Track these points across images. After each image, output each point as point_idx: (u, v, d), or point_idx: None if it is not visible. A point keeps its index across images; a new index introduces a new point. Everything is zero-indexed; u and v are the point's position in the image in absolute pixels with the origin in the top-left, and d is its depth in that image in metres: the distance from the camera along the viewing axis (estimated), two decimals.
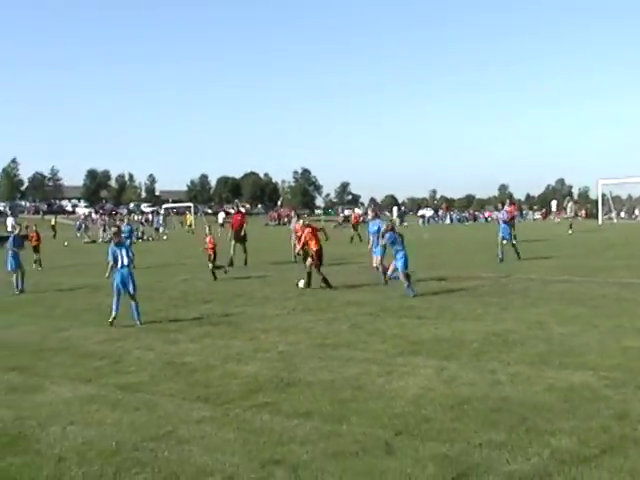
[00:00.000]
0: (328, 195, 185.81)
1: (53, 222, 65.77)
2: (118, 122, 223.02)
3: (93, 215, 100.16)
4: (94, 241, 51.63)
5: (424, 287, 16.90)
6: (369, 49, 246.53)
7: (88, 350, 11.09)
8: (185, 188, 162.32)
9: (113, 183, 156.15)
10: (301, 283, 17.70)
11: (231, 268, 23.01)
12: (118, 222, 39.51)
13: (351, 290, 17.23)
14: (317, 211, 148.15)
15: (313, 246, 17.89)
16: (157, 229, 62.58)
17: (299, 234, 19.15)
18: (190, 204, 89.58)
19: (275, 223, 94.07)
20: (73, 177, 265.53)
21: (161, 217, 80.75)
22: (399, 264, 15.94)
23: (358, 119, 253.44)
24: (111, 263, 13.45)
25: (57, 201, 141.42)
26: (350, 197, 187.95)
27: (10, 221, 58.66)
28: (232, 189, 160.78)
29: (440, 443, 6.29)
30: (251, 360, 9.86)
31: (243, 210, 31.72)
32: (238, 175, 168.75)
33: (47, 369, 9.88)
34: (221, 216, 65.24)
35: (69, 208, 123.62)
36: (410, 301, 14.94)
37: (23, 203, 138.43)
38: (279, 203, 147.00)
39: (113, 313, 13.24)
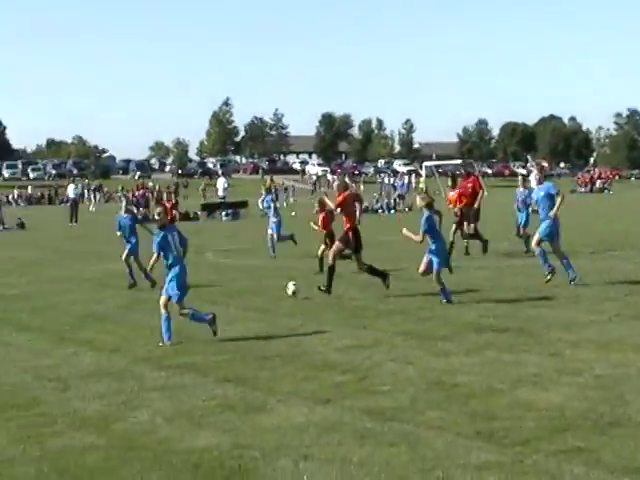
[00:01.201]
0: None
1: (268, 184, 66.63)
2: (362, 49, 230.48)
3: (328, 175, 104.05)
4: None
5: None
6: None
7: (326, 359, 11.60)
8: (455, 139, 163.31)
9: (356, 132, 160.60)
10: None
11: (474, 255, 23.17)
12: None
13: None
14: None
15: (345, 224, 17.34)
16: (401, 196, 63.33)
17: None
18: (461, 161, 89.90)
19: (586, 189, 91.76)
20: (303, 124, 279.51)
21: (405, 179, 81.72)
22: (435, 259, 15.53)
23: None
24: (155, 255, 13.30)
25: (282, 156, 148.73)
26: None
27: (221, 183, 61.19)
28: (523, 140, 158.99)
29: None
30: (554, 385, 9.72)
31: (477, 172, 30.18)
32: (531, 120, 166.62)
33: (272, 382, 10.48)
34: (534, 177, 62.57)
35: (297, 166, 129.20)
36: None
37: (238, 159, 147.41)
38: (592, 160, 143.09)
39: (165, 337, 13.06)
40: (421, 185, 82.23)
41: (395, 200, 60.98)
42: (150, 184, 68.22)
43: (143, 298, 17.55)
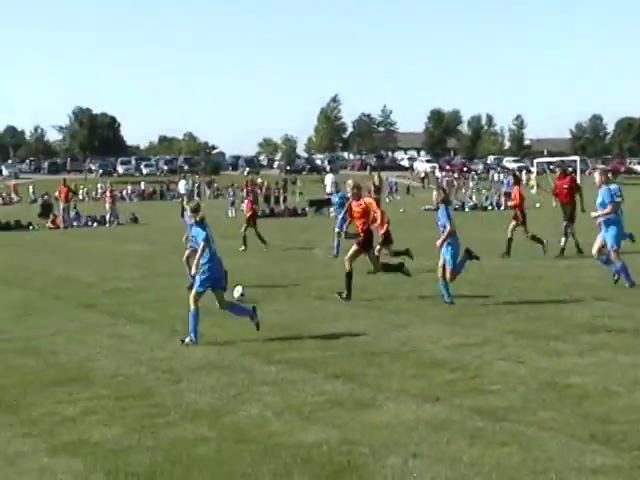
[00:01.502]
0: None
1: (377, 179, 66.49)
2: (472, 45, 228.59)
3: (437, 172, 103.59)
4: (430, 209, 53.51)
5: None
6: None
7: (435, 357, 11.56)
8: (567, 135, 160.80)
9: (465, 128, 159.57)
10: None
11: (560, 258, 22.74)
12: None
13: None
14: None
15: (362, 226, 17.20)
16: (507, 194, 62.18)
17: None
18: (575, 157, 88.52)
19: None
20: (411, 121, 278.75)
21: (509, 176, 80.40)
22: (448, 256, 15.63)
23: None
24: (202, 245, 13.10)
25: (389, 153, 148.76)
26: None
27: (329, 179, 61.57)
28: (639, 136, 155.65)
29: None
30: None
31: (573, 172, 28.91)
32: None
33: (381, 379, 10.50)
34: None
35: (404, 162, 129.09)
36: None
37: (345, 155, 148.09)
38: None
39: (192, 337, 13.04)
40: (532, 182, 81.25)
41: (502, 197, 59.99)
42: (259, 180, 69.03)
43: (252, 294, 17.70)
